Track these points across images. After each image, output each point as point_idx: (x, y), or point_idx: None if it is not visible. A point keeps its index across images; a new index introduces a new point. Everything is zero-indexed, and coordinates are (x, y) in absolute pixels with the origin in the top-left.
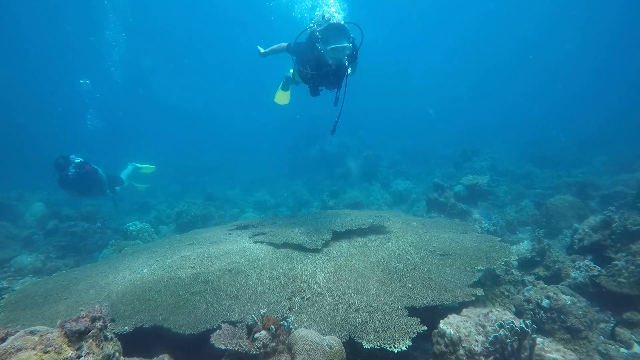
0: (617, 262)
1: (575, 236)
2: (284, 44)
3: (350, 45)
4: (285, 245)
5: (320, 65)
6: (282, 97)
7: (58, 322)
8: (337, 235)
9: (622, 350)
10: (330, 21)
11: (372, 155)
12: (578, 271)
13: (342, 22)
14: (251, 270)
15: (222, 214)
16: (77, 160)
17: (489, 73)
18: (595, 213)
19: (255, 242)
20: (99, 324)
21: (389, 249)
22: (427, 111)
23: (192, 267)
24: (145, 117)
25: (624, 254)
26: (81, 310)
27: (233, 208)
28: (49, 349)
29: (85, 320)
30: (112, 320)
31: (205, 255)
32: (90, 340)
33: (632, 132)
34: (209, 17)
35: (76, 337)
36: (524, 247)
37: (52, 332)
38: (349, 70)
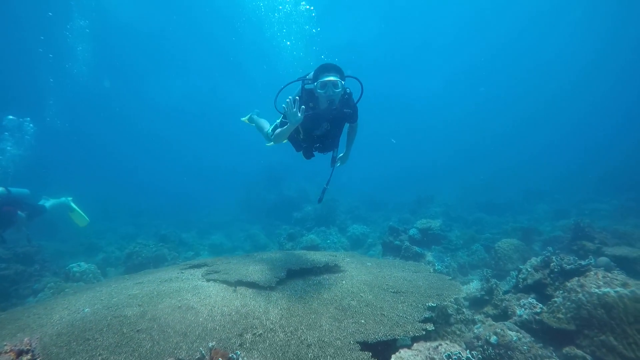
0: (555, 299)
1: (519, 276)
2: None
3: (342, 82)
4: (239, 283)
5: (313, 116)
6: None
7: None
8: (292, 274)
9: None
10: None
11: (330, 200)
12: (523, 309)
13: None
14: (202, 307)
15: (175, 255)
16: None
17: (441, 122)
18: (537, 255)
19: (208, 280)
20: (25, 358)
21: (342, 287)
22: (391, 140)
23: (139, 305)
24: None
25: (561, 291)
26: (5, 344)
27: (188, 251)
28: None
29: (10, 355)
30: None
31: (155, 293)
32: None
33: (568, 183)
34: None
35: None
36: (473, 286)
37: None
38: (340, 154)
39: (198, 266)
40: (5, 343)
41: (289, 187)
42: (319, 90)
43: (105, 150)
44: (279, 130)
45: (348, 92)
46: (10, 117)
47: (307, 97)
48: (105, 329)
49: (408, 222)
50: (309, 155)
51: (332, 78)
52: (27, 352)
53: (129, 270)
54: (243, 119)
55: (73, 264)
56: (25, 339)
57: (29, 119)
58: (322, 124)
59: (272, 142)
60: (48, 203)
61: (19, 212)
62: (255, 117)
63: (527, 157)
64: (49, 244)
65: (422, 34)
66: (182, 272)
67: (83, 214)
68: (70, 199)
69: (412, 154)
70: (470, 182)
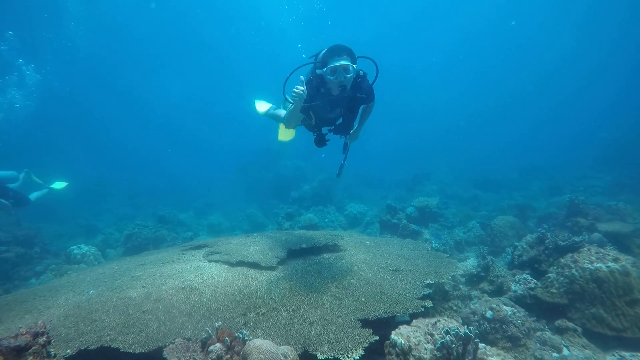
0: (549, 274)
1: (515, 252)
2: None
3: (353, 65)
4: (241, 263)
5: (325, 102)
6: (285, 133)
7: None
8: (292, 254)
9: (554, 354)
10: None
11: (327, 179)
12: (517, 284)
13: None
14: (205, 288)
15: (174, 236)
16: None
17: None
18: (532, 232)
19: (210, 261)
20: (41, 339)
21: (342, 266)
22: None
23: (143, 287)
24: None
25: (555, 267)
26: (20, 327)
27: (186, 231)
28: None
29: (26, 337)
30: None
31: (158, 274)
32: (31, 358)
33: (563, 159)
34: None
35: (14, 355)
36: (470, 263)
37: None
38: (356, 124)
39: (199, 247)
40: (20, 326)
41: (286, 166)
42: (329, 77)
43: (100, 128)
44: (287, 111)
45: (361, 74)
46: (10, 32)
47: (318, 82)
48: (111, 310)
49: (405, 200)
50: (320, 143)
51: (342, 63)
52: (42, 334)
53: (128, 252)
54: (257, 102)
55: (73, 246)
56: (40, 322)
57: (33, 66)
58: (335, 108)
59: (286, 127)
60: (33, 195)
61: (2, 200)
62: (272, 112)
63: (522, 133)
64: (47, 225)
65: (417, 8)
66: (184, 253)
67: (61, 183)
68: (50, 187)
69: (407, 131)
70: (465, 159)
